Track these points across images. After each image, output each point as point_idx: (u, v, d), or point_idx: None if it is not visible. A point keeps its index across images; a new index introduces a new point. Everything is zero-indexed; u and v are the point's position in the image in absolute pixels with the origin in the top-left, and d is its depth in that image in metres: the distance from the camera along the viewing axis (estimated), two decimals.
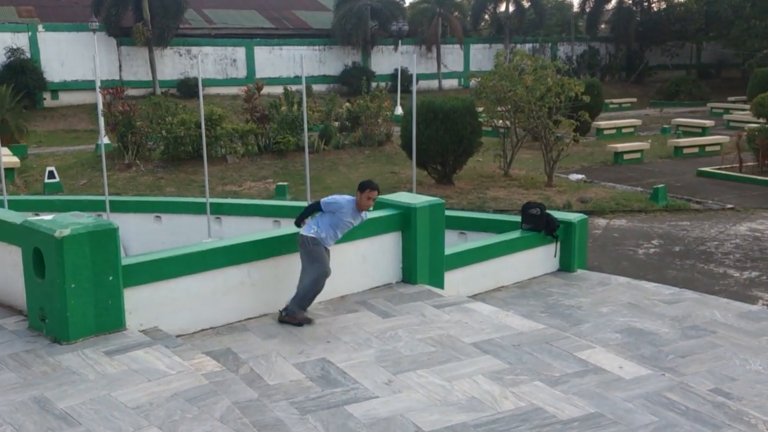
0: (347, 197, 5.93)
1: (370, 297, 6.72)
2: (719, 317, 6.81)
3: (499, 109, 15.71)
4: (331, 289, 6.61)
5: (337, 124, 20.53)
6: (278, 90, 22.95)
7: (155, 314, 5.48)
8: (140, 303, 5.37)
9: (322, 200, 5.93)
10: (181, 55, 31.55)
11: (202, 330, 5.78)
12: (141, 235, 10.06)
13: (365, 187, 5.81)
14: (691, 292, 7.90)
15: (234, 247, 6.00)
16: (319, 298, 6.53)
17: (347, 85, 32.48)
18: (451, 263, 7.53)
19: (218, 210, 10.15)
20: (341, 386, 4.81)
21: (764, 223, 12.06)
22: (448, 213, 8.96)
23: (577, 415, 4.51)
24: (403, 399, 4.67)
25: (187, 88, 29.18)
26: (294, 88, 20.51)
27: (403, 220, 7.03)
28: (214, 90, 30.11)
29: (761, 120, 16.35)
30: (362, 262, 6.89)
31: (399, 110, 25.05)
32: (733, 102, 31.30)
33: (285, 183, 14.68)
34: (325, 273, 5.86)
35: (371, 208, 6.06)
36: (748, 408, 4.74)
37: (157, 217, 10.45)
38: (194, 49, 31.45)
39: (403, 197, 7.47)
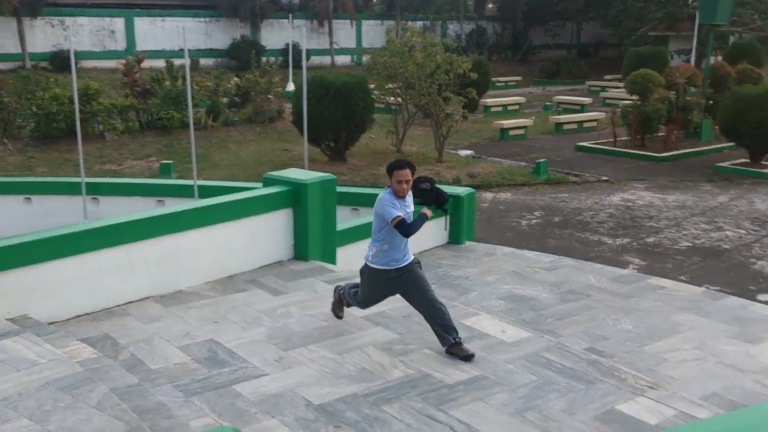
0: (384, 191, 5.02)
1: (261, 275, 6.61)
2: (594, 281, 7.22)
3: (390, 85, 15.81)
4: (218, 269, 6.47)
5: (225, 100, 19.94)
6: (161, 64, 21.94)
7: (24, 301, 5.13)
8: (7, 289, 5.01)
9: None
10: (53, 26, 29.45)
11: (78, 316, 5.47)
12: (9, 219, 9.37)
13: (390, 170, 4.90)
14: (568, 259, 8.32)
15: (110, 227, 5.70)
16: (206, 278, 6.37)
17: (236, 59, 31.54)
18: (344, 239, 7.53)
19: (95, 190, 9.61)
20: (229, 366, 4.71)
21: (635, 194, 12.88)
22: (340, 189, 8.93)
23: (462, 378, 4.66)
24: (294, 375, 4.64)
25: (60, 61, 27.26)
26: (178, 62, 19.63)
27: (294, 197, 6.95)
28: (90, 63, 28.37)
29: (634, 97, 17.35)
30: (251, 240, 6.76)
31: (291, 86, 24.61)
32: (610, 80, 33.06)
33: (170, 161, 14.11)
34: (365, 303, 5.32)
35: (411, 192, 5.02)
36: (619, 364, 5.07)
37: (27, 198, 9.77)
38: (68, 20, 29.43)
39: (293, 173, 7.38)
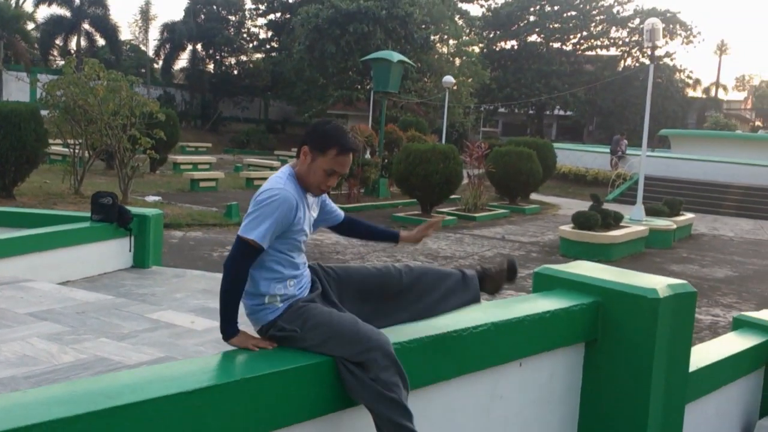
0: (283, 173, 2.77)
1: None
2: None
3: (67, 134, 14.46)
4: None
5: None
6: None
7: None
8: None
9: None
10: None
11: None
12: None
13: (327, 142, 2.72)
14: None
15: None
16: None
17: None
18: (1, 250, 6.48)
19: None
20: None
21: (324, 235, 13.52)
22: (1, 209, 7.80)
23: (145, 359, 4.23)
24: None
25: None
26: None
27: None
28: None
29: None
30: None
31: None
32: (298, 152, 34.97)
33: None
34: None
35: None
36: None
37: None
38: None
39: None
